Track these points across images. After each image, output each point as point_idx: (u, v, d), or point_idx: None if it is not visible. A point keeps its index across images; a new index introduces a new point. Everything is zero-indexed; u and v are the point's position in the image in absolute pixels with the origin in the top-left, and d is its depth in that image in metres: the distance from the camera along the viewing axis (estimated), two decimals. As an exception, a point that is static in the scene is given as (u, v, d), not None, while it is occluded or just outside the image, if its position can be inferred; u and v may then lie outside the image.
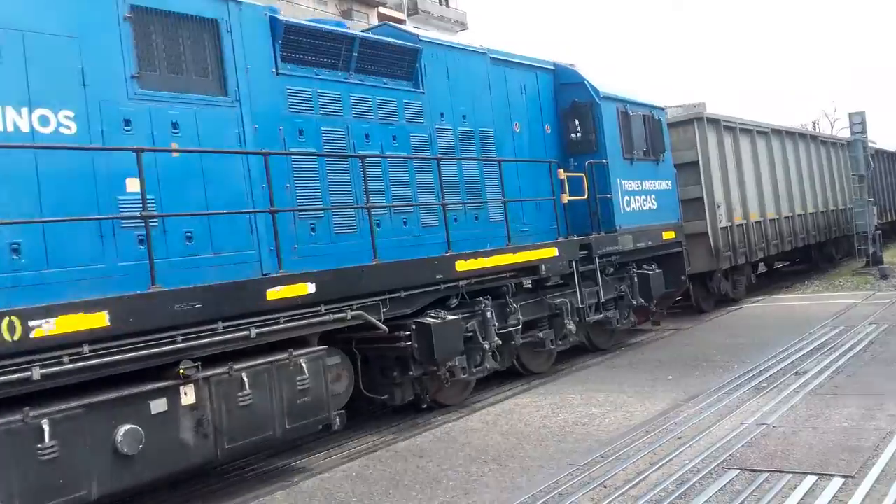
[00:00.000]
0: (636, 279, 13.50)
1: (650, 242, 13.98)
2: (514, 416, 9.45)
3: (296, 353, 7.68)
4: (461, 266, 9.77)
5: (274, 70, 8.69)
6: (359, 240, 9.25)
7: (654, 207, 14.38)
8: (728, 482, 6.39)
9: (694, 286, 17.08)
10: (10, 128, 6.32)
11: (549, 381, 11.48)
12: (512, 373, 11.72)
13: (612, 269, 13.11)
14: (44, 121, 6.54)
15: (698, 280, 17.16)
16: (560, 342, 11.80)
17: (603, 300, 12.55)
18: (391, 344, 9.17)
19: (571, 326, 11.77)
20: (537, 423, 8.93)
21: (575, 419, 8.95)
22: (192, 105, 7.68)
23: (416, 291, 9.22)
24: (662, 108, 15.20)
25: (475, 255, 10.00)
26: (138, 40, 7.32)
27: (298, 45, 9.00)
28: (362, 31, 10.29)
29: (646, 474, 6.79)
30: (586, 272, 12.37)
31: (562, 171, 11.98)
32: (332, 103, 9.32)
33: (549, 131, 13.16)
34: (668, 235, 14.71)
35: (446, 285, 9.63)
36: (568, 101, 13.32)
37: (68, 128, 6.70)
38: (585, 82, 13.19)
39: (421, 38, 10.77)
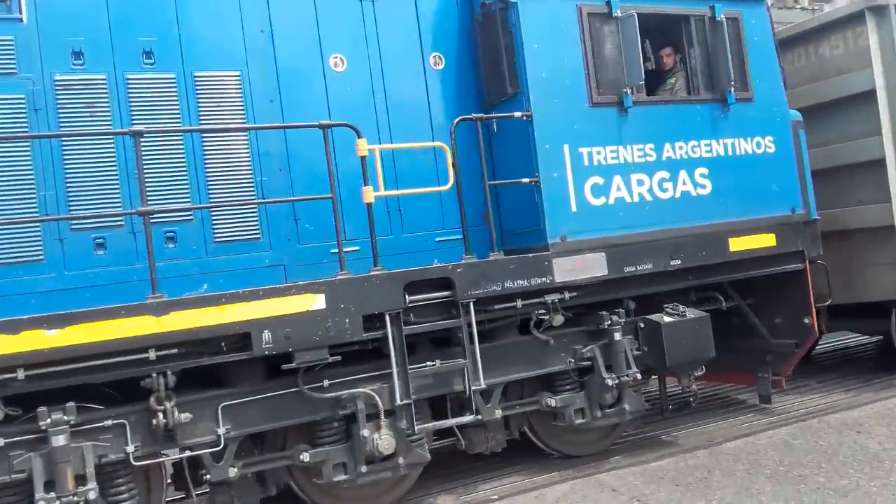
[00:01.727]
0: (616, 336, 6.97)
1: (677, 261, 7.19)
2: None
3: None
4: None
5: None
6: None
7: (707, 192, 7.45)
8: None
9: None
10: None
11: None
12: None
13: (560, 319, 6.86)
14: None
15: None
16: (364, 469, 6.15)
17: (483, 385, 6.41)
18: None
19: (381, 441, 6.05)
20: None
21: None
22: None
23: None
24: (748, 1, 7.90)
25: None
26: None
27: None
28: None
29: None
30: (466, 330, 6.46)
31: (363, 140, 6.14)
32: None
33: (440, 66, 7.25)
34: (755, 243, 7.63)
35: None
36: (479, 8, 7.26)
37: None
38: (496, -33, 6.97)
39: None
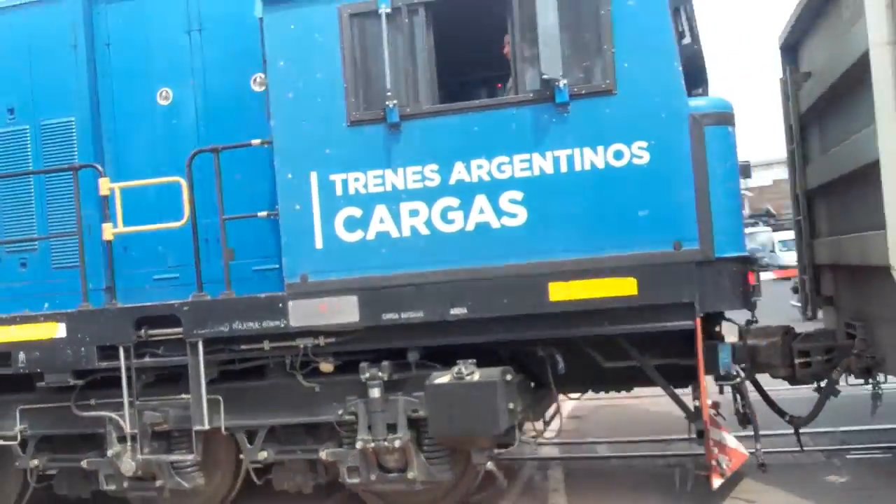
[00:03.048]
0: (374, 392, 6.02)
1: (461, 310, 5.82)
2: None
3: None
4: None
5: None
6: None
7: (518, 222, 5.79)
8: None
9: None
10: None
11: None
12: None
13: (329, 367, 6.31)
14: None
15: None
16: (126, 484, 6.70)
17: (206, 426, 6.24)
18: None
19: (122, 463, 6.53)
20: None
21: None
22: None
23: None
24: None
25: None
26: None
27: None
28: None
29: None
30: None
31: (104, 180, 6.37)
32: None
33: (265, 87, 6.90)
34: (596, 290, 5.68)
35: None
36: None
37: None
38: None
39: None
